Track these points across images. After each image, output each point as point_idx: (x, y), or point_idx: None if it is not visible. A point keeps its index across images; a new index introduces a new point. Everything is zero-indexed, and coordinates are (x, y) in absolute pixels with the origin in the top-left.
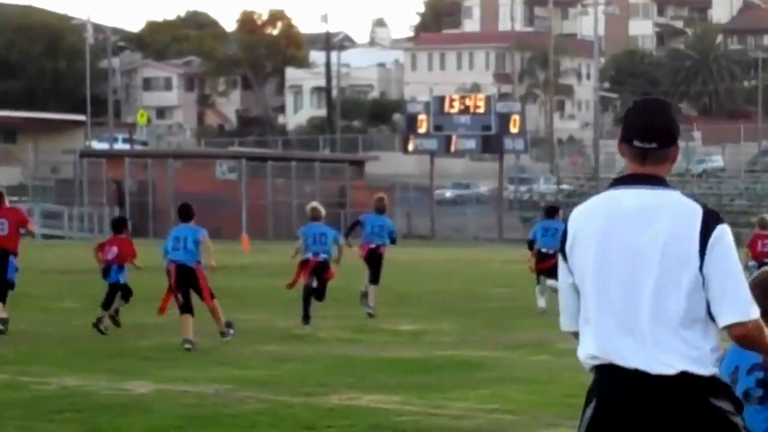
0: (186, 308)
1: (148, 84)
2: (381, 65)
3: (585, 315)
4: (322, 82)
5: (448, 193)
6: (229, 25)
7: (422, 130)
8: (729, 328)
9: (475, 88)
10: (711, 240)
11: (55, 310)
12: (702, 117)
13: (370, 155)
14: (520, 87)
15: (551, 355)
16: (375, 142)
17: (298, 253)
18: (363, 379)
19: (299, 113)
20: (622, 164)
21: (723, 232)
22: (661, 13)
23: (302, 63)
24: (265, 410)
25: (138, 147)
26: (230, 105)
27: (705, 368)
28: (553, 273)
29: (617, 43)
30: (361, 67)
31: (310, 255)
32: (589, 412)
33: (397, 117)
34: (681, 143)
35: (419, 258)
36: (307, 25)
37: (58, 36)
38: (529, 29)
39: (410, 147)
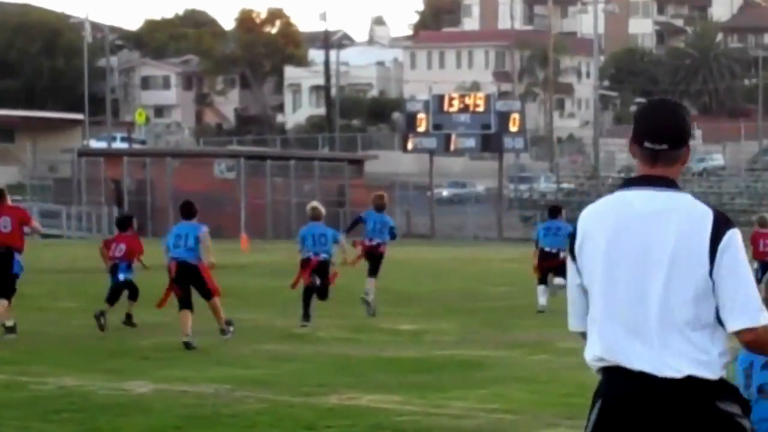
0: (185, 303)
1: (146, 83)
2: (380, 64)
3: (592, 316)
4: (321, 81)
5: (445, 192)
6: (228, 23)
7: (421, 128)
8: (738, 333)
9: (475, 87)
10: (721, 245)
11: (54, 309)
12: (702, 115)
13: (370, 154)
14: (519, 85)
15: (551, 355)
16: (374, 140)
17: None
18: (363, 379)
19: (298, 112)
20: (621, 163)
21: (733, 237)
22: (661, 11)
23: (301, 62)
24: (264, 410)
25: (136, 146)
26: (229, 104)
27: (712, 372)
28: (558, 271)
29: (617, 41)
30: (360, 65)
31: (311, 254)
32: (594, 413)
33: (396, 116)
34: None
35: (419, 257)
36: (305, 23)
37: (56, 34)
38: (529, 27)
39: (409, 146)
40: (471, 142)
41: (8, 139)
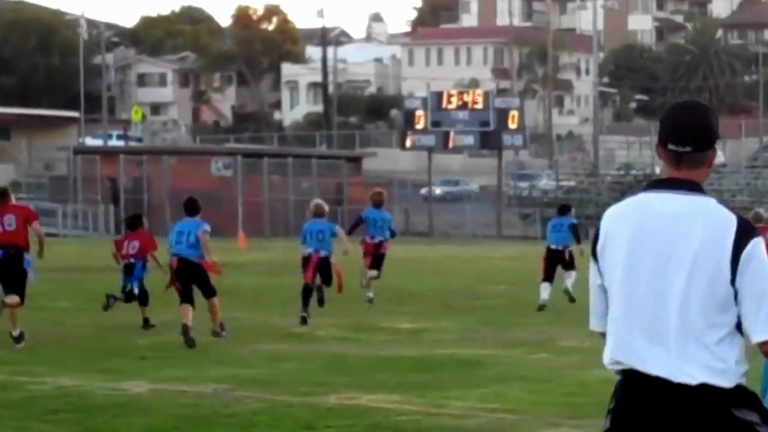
0: (186, 298)
1: (142, 80)
2: (378, 60)
3: (611, 317)
4: (318, 78)
5: (438, 190)
6: (224, 20)
7: (420, 126)
8: (762, 344)
9: (473, 84)
10: (744, 254)
11: (50, 308)
12: None
13: (368, 151)
14: (518, 82)
15: (552, 353)
16: (372, 138)
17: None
18: (362, 378)
19: (295, 109)
20: (621, 160)
21: (757, 246)
22: (660, 7)
23: (298, 58)
24: (263, 410)
25: (132, 143)
26: (226, 101)
27: (728, 381)
28: (566, 266)
29: (616, 37)
30: (357, 62)
31: (311, 251)
32: (609, 415)
33: (394, 113)
34: None
35: (418, 255)
36: (303, 20)
37: (52, 31)
38: (528, 24)
39: (408, 143)
40: (470, 140)
41: (3, 136)
